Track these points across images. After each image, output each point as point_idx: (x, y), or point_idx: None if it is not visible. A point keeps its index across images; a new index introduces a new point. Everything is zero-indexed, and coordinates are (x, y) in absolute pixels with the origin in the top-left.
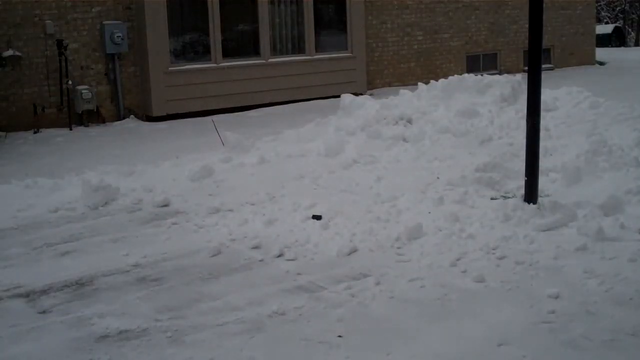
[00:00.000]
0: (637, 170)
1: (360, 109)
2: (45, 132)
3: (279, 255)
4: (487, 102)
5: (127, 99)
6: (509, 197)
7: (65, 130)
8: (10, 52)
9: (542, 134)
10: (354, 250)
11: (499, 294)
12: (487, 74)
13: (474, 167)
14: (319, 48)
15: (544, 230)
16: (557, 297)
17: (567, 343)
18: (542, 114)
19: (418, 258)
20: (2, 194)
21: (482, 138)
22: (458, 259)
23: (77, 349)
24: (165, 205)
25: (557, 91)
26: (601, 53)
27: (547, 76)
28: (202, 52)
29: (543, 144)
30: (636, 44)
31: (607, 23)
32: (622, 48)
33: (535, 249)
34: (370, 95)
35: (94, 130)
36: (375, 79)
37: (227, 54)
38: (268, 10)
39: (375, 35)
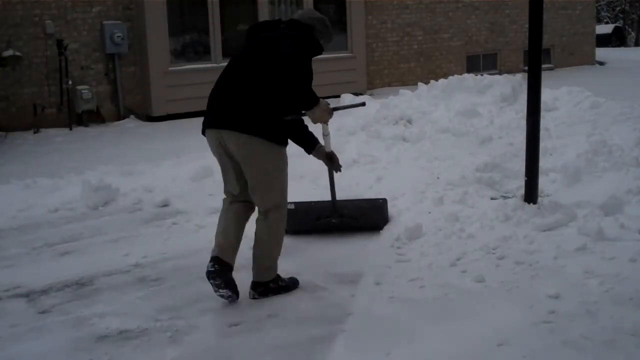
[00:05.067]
0: (637, 170)
1: (360, 109)
2: (45, 132)
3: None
4: (487, 102)
5: (127, 99)
6: (509, 197)
7: (65, 130)
8: (10, 52)
9: (542, 134)
10: (354, 250)
11: (499, 294)
12: (487, 74)
13: (474, 167)
14: None
15: (544, 230)
16: (557, 297)
17: (567, 343)
18: (542, 114)
19: (418, 258)
20: (2, 194)
21: (482, 138)
22: (458, 259)
23: (77, 349)
24: (165, 205)
25: (557, 91)
26: (601, 53)
27: (547, 76)
28: (202, 52)
29: (543, 144)
30: (636, 44)
31: (607, 23)
32: (622, 48)
33: (535, 249)
34: (370, 95)
35: (94, 130)
36: (375, 79)
37: (227, 54)
38: (268, 10)
39: (375, 35)
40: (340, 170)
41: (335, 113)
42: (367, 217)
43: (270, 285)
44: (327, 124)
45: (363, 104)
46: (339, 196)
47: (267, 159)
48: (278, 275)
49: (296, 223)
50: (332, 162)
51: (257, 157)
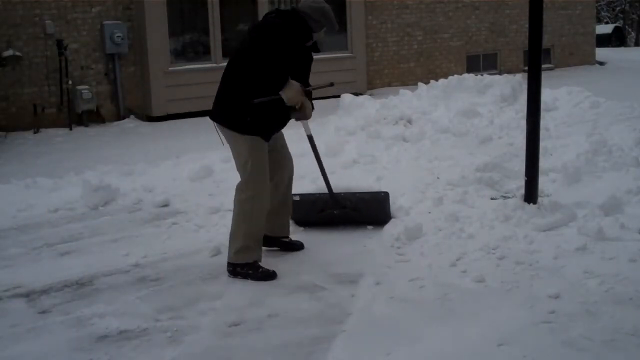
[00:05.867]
0: (637, 170)
1: (360, 109)
2: (45, 132)
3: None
4: (487, 102)
5: (127, 99)
6: (509, 197)
7: (65, 130)
8: (10, 52)
9: (542, 134)
10: (354, 250)
11: (499, 294)
12: (487, 74)
13: (474, 167)
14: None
15: (544, 230)
16: (557, 297)
17: (567, 343)
18: (542, 114)
19: (418, 258)
20: (2, 194)
21: (482, 138)
22: (458, 259)
23: (77, 349)
24: (165, 205)
25: (557, 91)
26: (601, 53)
27: (547, 76)
28: (202, 52)
29: (543, 144)
30: (636, 44)
31: (607, 23)
32: (622, 48)
33: (535, 249)
34: (370, 95)
35: (94, 130)
36: (375, 79)
37: (227, 54)
38: (268, 11)
39: (375, 35)
40: (307, 118)
41: (337, 112)
42: (370, 210)
43: (237, 269)
44: (304, 111)
45: (331, 85)
46: (341, 191)
47: (235, 146)
48: (252, 264)
49: (301, 214)
50: (300, 109)
51: (229, 143)
